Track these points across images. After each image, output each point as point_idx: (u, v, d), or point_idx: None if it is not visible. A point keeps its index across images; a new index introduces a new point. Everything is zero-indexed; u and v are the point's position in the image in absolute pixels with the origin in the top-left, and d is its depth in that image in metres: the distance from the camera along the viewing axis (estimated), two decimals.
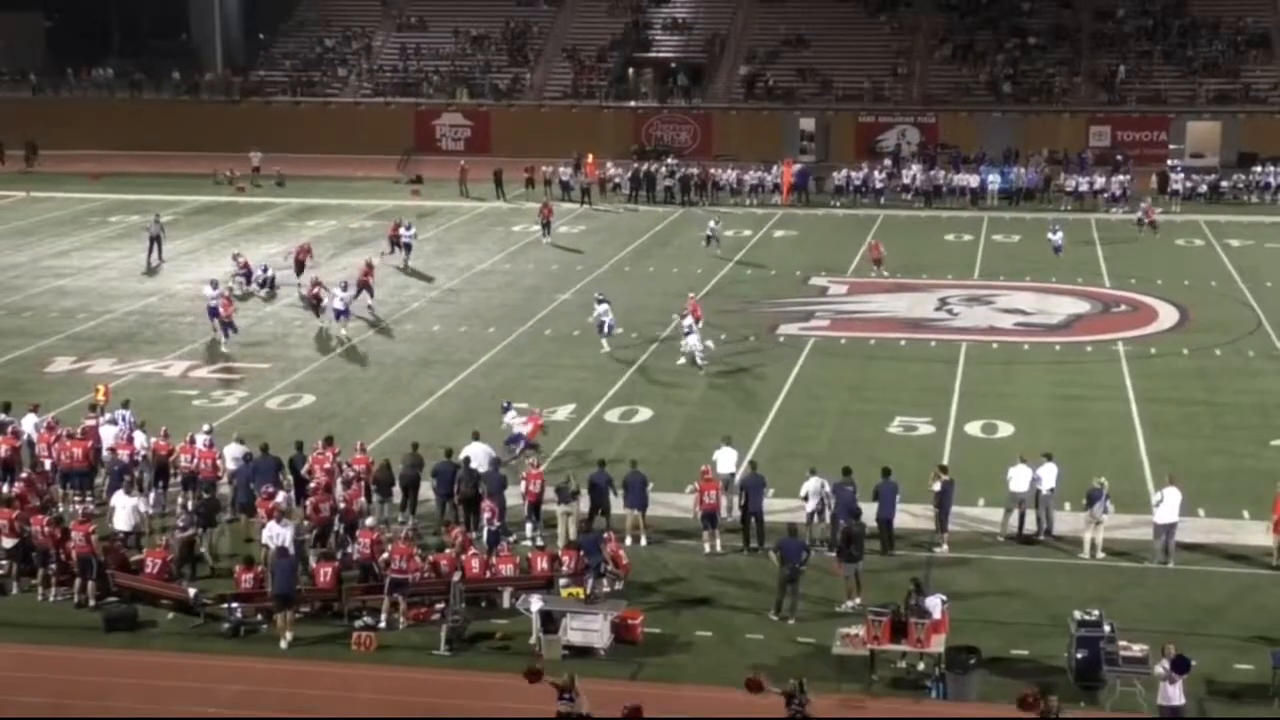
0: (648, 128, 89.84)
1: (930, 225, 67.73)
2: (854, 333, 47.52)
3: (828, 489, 29.47)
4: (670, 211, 71.11)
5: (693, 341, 43.05)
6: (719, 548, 29.62)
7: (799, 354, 44.85)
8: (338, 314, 46.47)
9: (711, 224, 60.92)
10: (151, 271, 57.11)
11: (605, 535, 28.19)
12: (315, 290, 48.65)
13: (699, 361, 42.59)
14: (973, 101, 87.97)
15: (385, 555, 26.75)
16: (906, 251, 60.21)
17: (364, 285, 49.85)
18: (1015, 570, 28.94)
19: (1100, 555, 29.09)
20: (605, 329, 44.85)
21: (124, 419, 33.92)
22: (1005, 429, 37.51)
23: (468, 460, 31.28)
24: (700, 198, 73.71)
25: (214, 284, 48.26)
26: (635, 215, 70.72)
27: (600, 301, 45.69)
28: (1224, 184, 73.56)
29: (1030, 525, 30.38)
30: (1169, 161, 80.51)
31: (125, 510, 29.25)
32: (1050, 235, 58.61)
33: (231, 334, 46.08)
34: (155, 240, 58.45)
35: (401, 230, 58.55)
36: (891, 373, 43.05)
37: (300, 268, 53.89)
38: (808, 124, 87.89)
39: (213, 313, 46.61)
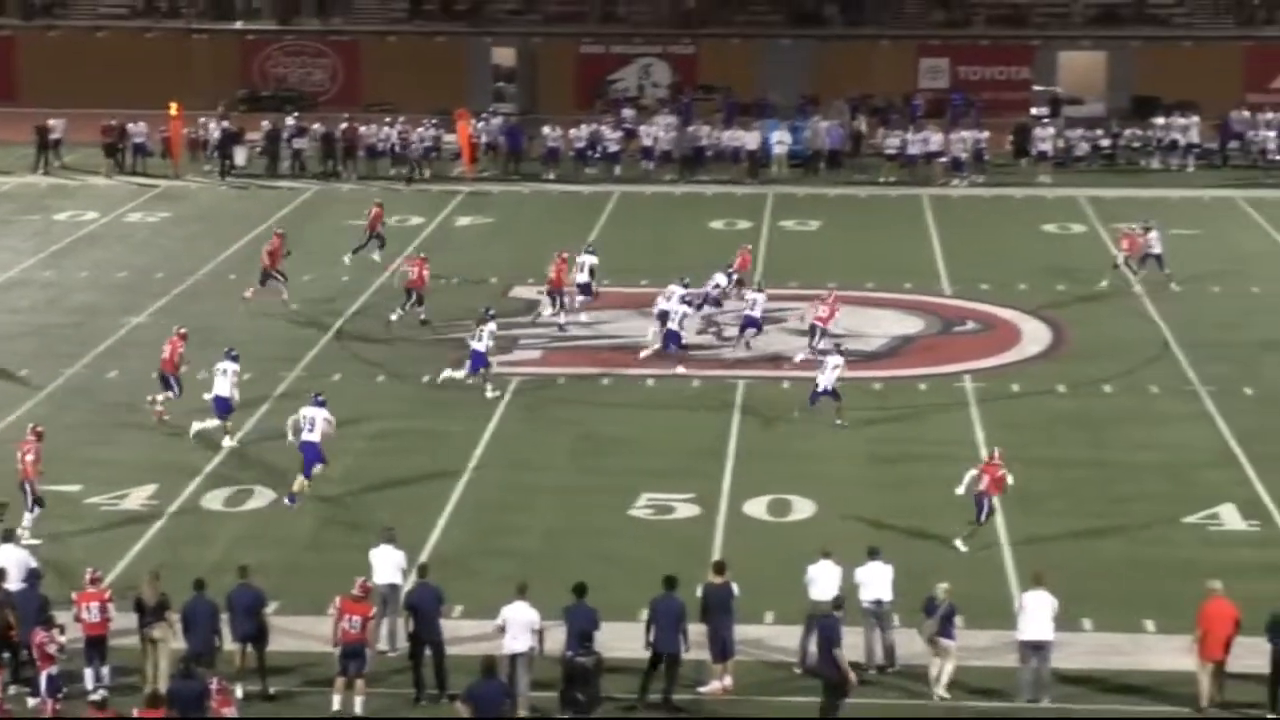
0: (263, 63, 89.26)
1: (688, 206, 68.55)
2: (578, 368, 47.87)
3: (538, 625, 29.03)
4: (301, 189, 70.71)
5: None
6: (358, 708, 29.15)
7: (496, 402, 44.99)
8: None
9: None
10: None
11: (210, 686, 27.80)
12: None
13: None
14: (750, 22, 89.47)
15: None
16: (652, 245, 60.84)
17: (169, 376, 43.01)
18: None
19: (941, 694, 29.61)
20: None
21: None
22: (803, 508, 38.10)
23: None
24: (346, 167, 73.29)
25: None
26: (246, 195, 70.03)
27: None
28: (1109, 141, 75.97)
29: (861, 652, 30.48)
30: (1032, 110, 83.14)
31: None
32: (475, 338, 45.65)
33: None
34: None
35: None
36: (635, 427, 43.47)
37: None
38: (505, 56, 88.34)
39: None
